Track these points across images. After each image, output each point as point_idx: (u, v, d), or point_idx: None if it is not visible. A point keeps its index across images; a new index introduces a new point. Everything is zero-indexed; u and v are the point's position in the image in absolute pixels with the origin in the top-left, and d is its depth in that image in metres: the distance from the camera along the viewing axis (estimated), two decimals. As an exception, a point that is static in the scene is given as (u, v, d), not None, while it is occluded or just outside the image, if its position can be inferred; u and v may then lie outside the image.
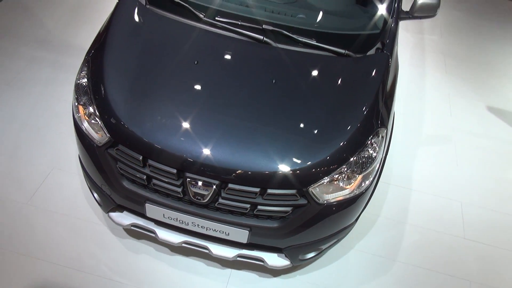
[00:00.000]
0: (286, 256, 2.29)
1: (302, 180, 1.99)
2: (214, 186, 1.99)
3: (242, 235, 2.15)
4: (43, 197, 2.75)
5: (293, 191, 2.00)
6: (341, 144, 2.04)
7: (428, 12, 2.57)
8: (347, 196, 2.11)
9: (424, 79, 4.09)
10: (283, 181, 1.97)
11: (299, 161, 1.97)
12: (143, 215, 2.28)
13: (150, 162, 2.03)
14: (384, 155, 2.36)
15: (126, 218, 2.36)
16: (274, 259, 2.31)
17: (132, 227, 2.38)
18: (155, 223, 2.34)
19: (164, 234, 2.32)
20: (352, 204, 2.14)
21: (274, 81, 2.17)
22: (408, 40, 4.54)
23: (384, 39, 2.42)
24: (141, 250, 2.59)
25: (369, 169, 2.12)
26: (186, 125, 2.02)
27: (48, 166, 2.92)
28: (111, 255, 2.54)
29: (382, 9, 2.52)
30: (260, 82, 2.17)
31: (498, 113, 3.86)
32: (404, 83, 4.00)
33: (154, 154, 2.00)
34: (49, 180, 2.84)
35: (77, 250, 2.54)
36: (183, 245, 2.33)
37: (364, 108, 2.16)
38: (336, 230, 2.27)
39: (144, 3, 2.47)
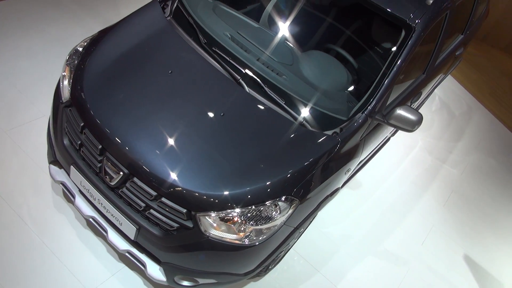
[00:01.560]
0: (163, 271, 2.36)
1: (194, 203, 2.10)
2: (122, 173, 2.18)
3: (131, 230, 2.29)
4: (20, 133, 3.11)
5: (183, 210, 2.12)
6: (242, 189, 2.13)
7: (405, 125, 2.61)
8: (232, 241, 2.17)
9: (418, 200, 4.00)
10: (177, 196, 2.10)
11: (197, 184, 2.10)
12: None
13: (86, 131, 2.28)
14: (292, 227, 2.39)
15: (59, 175, 2.60)
16: (153, 269, 2.38)
17: (60, 185, 2.61)
18: (78, 191, 2.55)
19: (79, 202, 2.51)
20: (234, 251, 2.20)
21: (222, 114, 2.35)
22: (426, 161, 4.50)
23: (346, 127, 2.51)
24: (63, 211, 2.80)
25: (262, 226, 2.19)
26: (126, 113, 2.25)
27: (42, 112, 3.29)
28: (37, 202, 2.78)
29: (358, 103, 2.63)
30: (210, 108, 2.36)
31: (472, 265, 3.65)
32: (394, 195, 3.95)
33: (91, 124, 2.25)
34: (36, 123, 3.21)
35: (14, 184, 2.82)
36: (91, 220, 2.50)
37: (286, 171, 2.24)
38: (215, 270, 2.31)
39: (166, 14, 2.82)
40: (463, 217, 4.07)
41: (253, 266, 2.43)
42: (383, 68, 2.66)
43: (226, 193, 2.12)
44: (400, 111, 2.60)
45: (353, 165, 2.75)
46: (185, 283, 2.40)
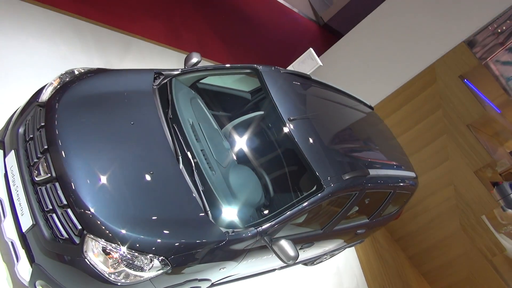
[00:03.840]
0: (31, 271, 2.59)
1: (90, 225, 2.47)
2: (50, 175, 2.57)
3: (27, 223, 2.59)
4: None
5: (79, 226, 2.48)
6: (134, 235, 2.52)
7: (283, 255, 3.07)
8: (101, 272, 2.49)
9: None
10: (81, 213, 2.48)
11: (102, 213, 2.49)
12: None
13: (42, 130, 2.72)
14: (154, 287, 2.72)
15: (-4, 151, 2.95)
16: (24, 267, 2.60)
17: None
18: (3, 174, 2.85)
19: (-1, 181, 2.82)
20: (99, 281, 2.49)
21: (152, 172, 2.84)
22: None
23: (237, 232, 2.99)
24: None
25: (132, 272, 2.54)
26: (80, 133, 2.74)
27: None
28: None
29: (257, 221, 3.17)
30: (145, 163, 2.86)
31: None
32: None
33: (49, 127, 2.71)
34: None
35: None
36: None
37: (174, 239, 2.66)
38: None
39: (155, 84, 3.45)
40: None
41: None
42: (287, 205, 3.26)
43: (120, 230, 2.51)
44: (284, 243, 3.10)
45: (230, 266, 3.18)
46: (44, 291, 2.62)
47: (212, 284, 3.41)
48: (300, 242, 3.76)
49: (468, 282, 8.16)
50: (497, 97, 8.83)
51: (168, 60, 6.02)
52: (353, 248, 6.77)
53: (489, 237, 7.96)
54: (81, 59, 4.71)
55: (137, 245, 2.54)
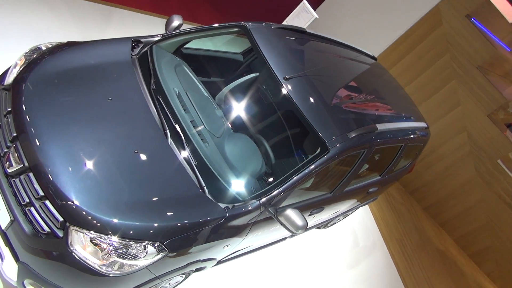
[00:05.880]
0: (17, 270, 2.39)
1: (74, 216, 2.23)
2: (23, 165, 2.32)
3: (5, 219, 2.37)
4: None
5: (60, 218, 2.24)
6: (126, 222, 2.29)
7: (290, 225, 2.87)
8: (92, 265, 2.28)
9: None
10: (61, 204, 2.24)
11: (85, 201, 2.25)
12: None
13: (10, 116, 2.44)
14: (154, 274, 2.52)
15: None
16: (9, 265, 2.41)
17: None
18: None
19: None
20: (90, 274, 2.29)
21: (136, 151, 2.57)
22: (312, 274, 4.75)
23: (238, 206, 2.75)
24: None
25: (126, 261, 2.32)
26: (53, 116, 2.46)
27: None
28: None
29: (258, 192, 2.91)
30: (128, 142, 2.59)
31: None
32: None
33: (16, 112, 2.44)
34: None
35: None
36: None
37: (169, 221, 2.43)
38: (63, 287, 2.36)
39: (134, 53, 3.13)
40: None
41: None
42: (290, 172, 2.99)
43: (111, 219, 2.27)
44: (290, 212, 2.86)
45: (235, 243, 2.96)
46: (31, 288, 2.43)
47: (219, 262, 3.22)
48: (309, 208, 3.52)
49: (488, 228, 7.97)
50: (507, 34, 8.31)
51: (154, 28, 5.65)
52: (366, 205, 6.54)
53: (507, 181, 7.69)
54: (57, 34, 4.38)
55: (130, 232, 2.31)
